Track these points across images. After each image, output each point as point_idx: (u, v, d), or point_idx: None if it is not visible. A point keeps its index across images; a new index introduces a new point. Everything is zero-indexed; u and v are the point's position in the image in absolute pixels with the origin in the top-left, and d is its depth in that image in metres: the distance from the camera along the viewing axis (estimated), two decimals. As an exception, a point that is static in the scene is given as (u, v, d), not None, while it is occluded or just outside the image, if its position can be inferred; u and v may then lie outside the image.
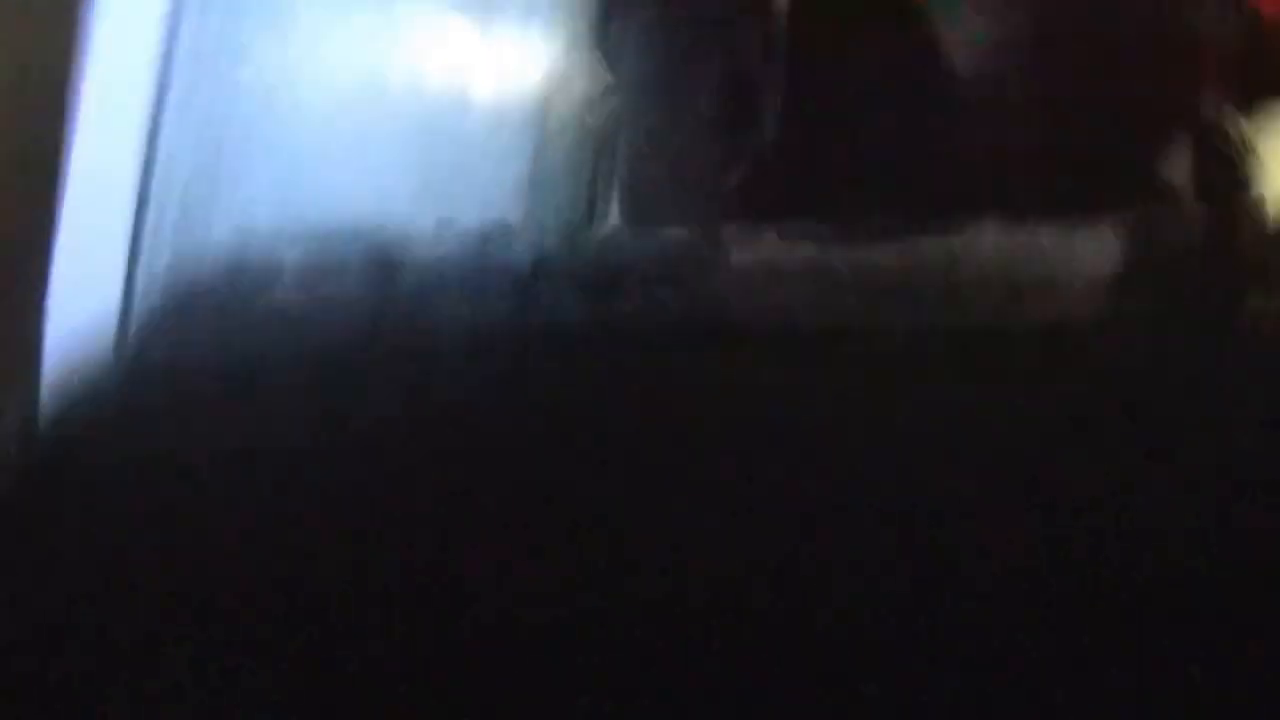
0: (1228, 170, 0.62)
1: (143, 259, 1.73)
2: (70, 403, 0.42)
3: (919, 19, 0.52)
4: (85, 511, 0.40)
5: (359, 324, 0.41)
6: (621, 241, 0.42)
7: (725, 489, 0.37)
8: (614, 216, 0.63)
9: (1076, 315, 0.37)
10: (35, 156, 1.53)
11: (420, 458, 0.38)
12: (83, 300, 0.45)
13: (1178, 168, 0.58)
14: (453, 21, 2.35)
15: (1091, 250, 0.38)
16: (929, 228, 0.40)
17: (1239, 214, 0.57)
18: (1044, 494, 0.37)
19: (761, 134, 0.55)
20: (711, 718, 0.37)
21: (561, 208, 2.51)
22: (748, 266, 0.39)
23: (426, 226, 0.45)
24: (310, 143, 1.94)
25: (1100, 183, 0.54)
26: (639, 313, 0.39)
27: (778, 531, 0.37)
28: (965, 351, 0.38)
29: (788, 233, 0.41)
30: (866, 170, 0.54)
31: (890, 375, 0.37)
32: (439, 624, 0.38)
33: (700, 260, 0.40)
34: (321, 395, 0.40)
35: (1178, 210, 0.53)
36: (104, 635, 0.40)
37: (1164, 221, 0.40)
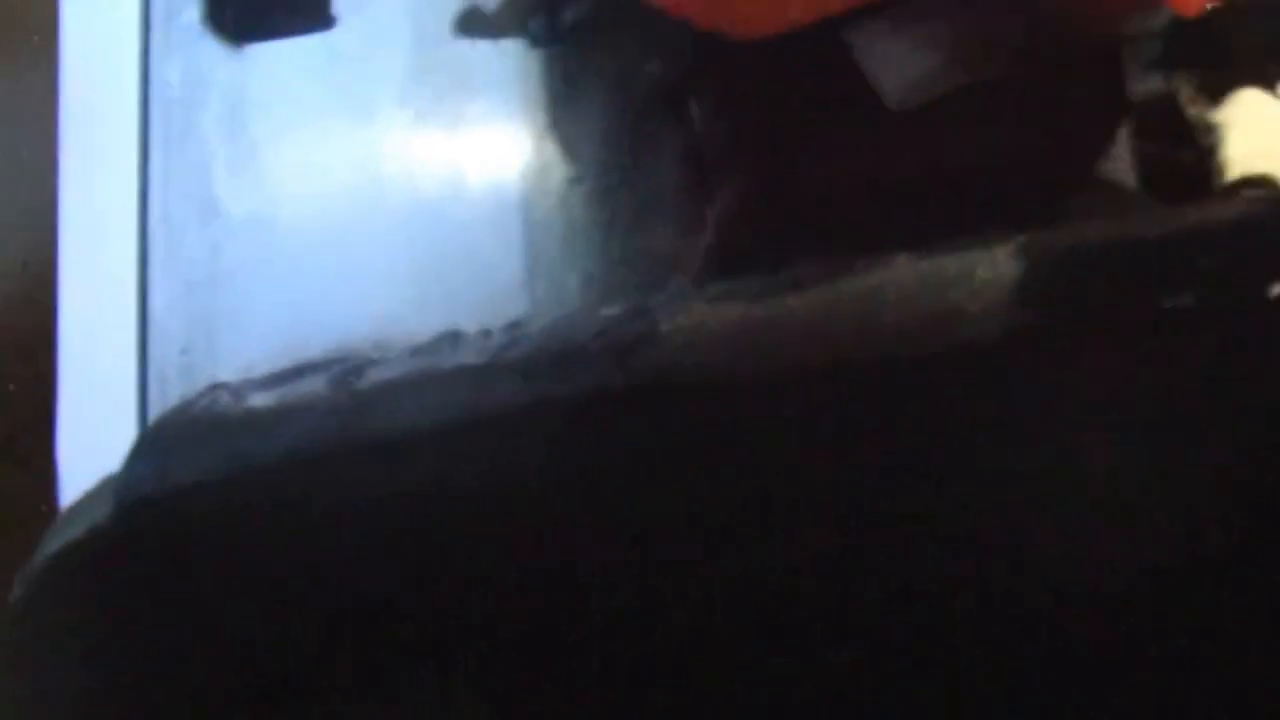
0: (1175, 167, 0.64)
1: (151, 412, 1.74)
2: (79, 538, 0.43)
3: (854, 66, 0.53)
4: (99, 627, 0.42)
5: (326, 423, 0.42)
6: (560, 324, 0.43)
7: (684, 551, 0.39)
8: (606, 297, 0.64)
9: (984, 337, 0.38)
10: (29, 314, 1.55)
11: (386, 548, 0.40)
12: (94, 463, 0.46)
13: (1120, 166, 0.59)
14: (422, 135, 2.37)
15: (995, 273, 0.40)
16: (847, 268, 0.41)
17: (1152, 214, 0.59)
18: (971, 513, 0.38)
19: (723, 199, 0.55)
20: None
21: (559, 298, 2.50)
22: (677, 331, 0.40)
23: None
24: (298, 274, 1.96)
25: (1044, 191, 0.55)
26: (582, 391, 0.40)
27: (741, 588, 0.38)
28: (887, 381, 0.39)
29: (713, 295, 0.42)
30: (827, 215, 0.55)
31: (818, 413, 0.39)
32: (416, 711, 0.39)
33: (633, 332, 0.41)
34: (295, 495, 0.41)
35: (1090, 218, 0.55)
36: None
37: (1063, 237, 0.42)
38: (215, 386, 0.47)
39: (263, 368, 0.47)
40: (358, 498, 0.41)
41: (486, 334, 0.45)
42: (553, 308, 0.55)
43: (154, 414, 1.71)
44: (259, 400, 0.45)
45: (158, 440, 0.46)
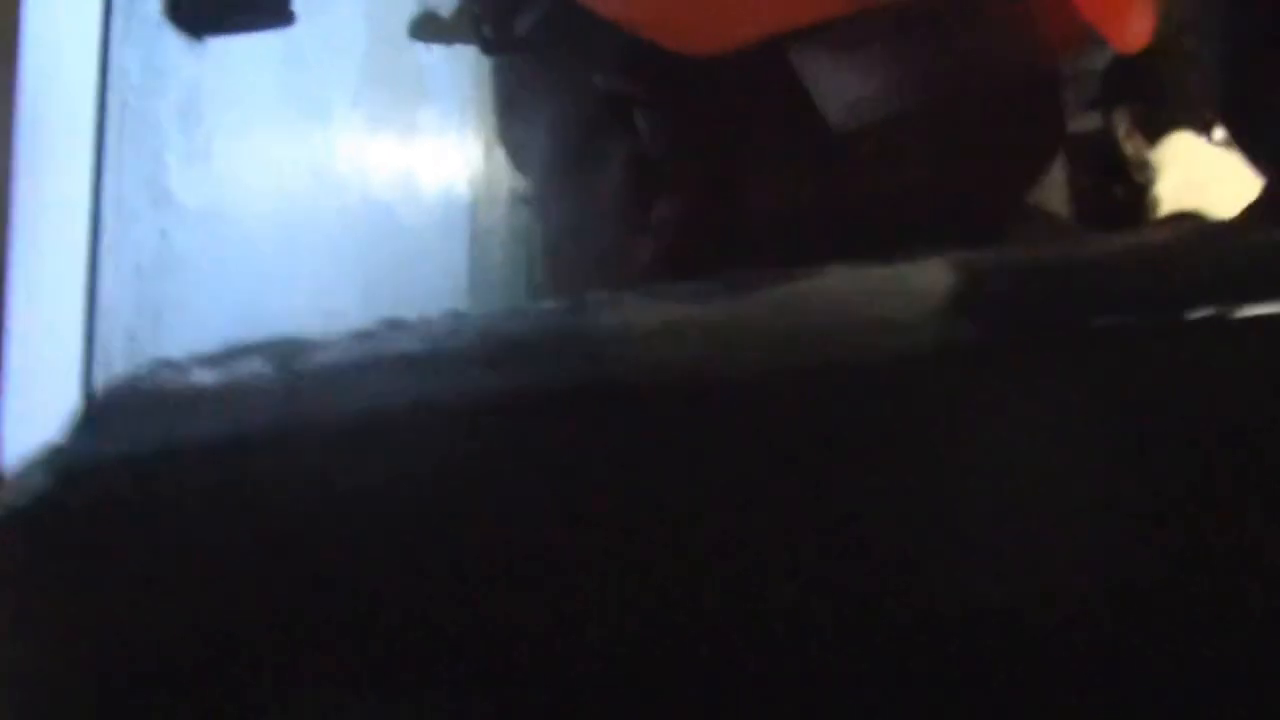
0: (1108, 200, 0.64)
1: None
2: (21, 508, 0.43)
3: (798, 87, 0.55)
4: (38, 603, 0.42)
5: (269, 403, 0.43)
6: (505, 319, 0.44)
7: (614, 544, 0.39)
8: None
9: (917, 347, 0.39)
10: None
11: (325, 531, 0.40)
12: (39, 443, 0.46)
13: (1054, 197, 0.60)
14: (376, 135, 2.37)
15: (929, 284, 0.40)
16: (784, 276, 0.42)
17: (1085, 237, 0.59)
18: (902, 518, 0.38)
19: (665, 209, 0.56)
20: None
21: (503, 300, 2.47)
22: (614, 329, 0.41)
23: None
24: (246, 266, 1.96)
25: (978, 218, 0.56)
26: (522, 383, 0.41)
27: (689, 584, 0.39)
28: (820, 387, 0.39)
29: (650, 295, 0.43)
30: (766, 229, 0.56)
31: (743, 417, 0.39)
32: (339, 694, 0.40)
33: (572, 328, 0.42)
34: (234, 473, 0.42)
35: (1016, 241, 0.56)
36: None
37: (999, 253, 0.43)
38: (160, 362, 0.47)
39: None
40: (294, 478, 0.41)
41: (428, 321, 0.45)
42: (496, 308, 0.55)
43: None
44: (202, 377, 0.45)
45: (102, 412, 0.46)
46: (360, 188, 2.30)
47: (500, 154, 0.66)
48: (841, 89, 0.55)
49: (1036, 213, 0.58)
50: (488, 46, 0.63)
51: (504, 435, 0.41)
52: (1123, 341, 0.39)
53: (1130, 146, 1.57)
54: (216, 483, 0.42)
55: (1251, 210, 0.52)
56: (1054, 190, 0.60)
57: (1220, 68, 0.54)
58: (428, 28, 0.71)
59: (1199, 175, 1.65)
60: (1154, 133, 1.69)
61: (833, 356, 0.40)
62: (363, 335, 0.45)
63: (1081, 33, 0.61)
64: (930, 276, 0.41)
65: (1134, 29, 0.62)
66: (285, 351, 0.45)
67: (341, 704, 0.40)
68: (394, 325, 0.45)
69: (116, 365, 1.68)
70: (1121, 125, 1.63)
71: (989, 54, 0.58)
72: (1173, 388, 0.39)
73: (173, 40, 1.85)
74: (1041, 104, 0.61)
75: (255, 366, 0.45)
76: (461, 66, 2.57)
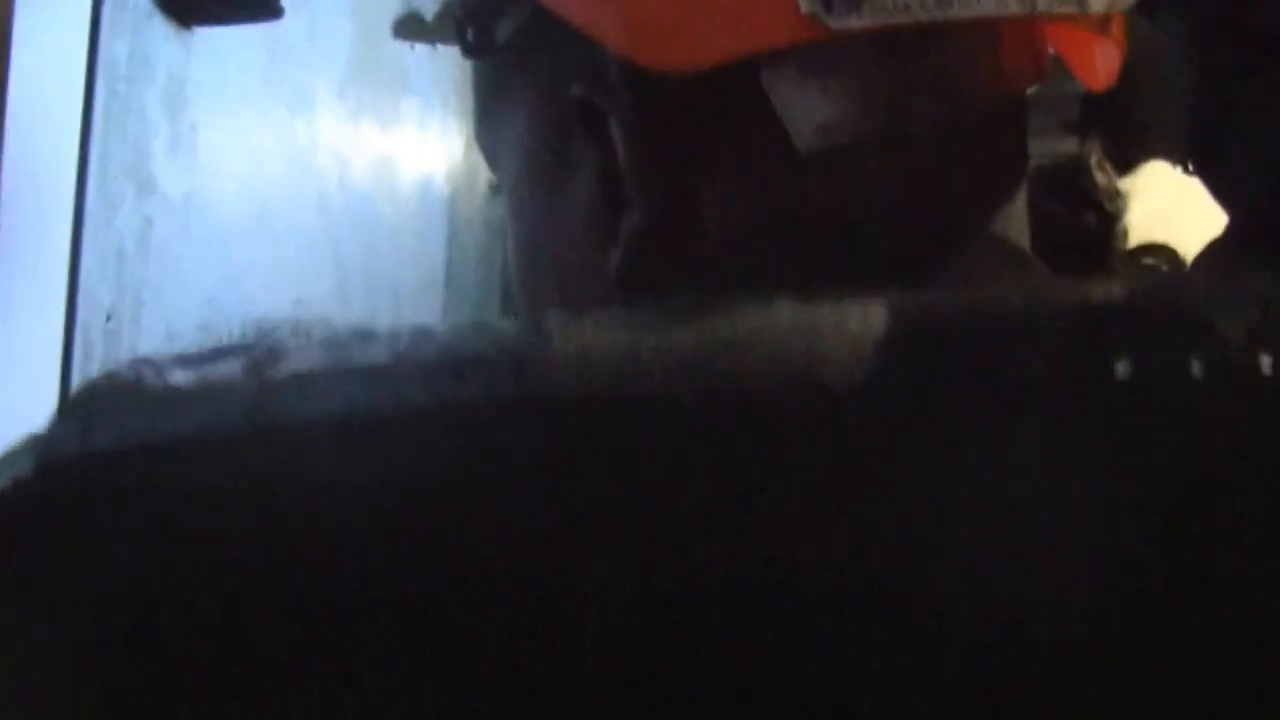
0: (1077, 228, 0.64)
1: (74, 374, 1.73)
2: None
3: (768, 108, 0.56)
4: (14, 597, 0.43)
5: (237, 407, 0.43)
6: (465, 332, 0.45)
7: (554, 561, 0.40)
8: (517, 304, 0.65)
9: (844, 383, 0.39)
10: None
11: (285, 534, 0.41)
12: (17, 418, 0.47)
13: (1014, 226, 0.61)
14: (357, 130, 2.38)
15: (865, 325, 0.41)
16: (723, 307, 0.43)
17: (1020, 280, 0.60)
18: (830, 544, 0.39)
19: (632, 222, 0.57)
20: None
21: (476, 300, 2.48)
22: (568, 350, 0.42)
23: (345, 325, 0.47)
24: (228, 254, 1.97)
25: (935, 245, 0.58)
26: (477, 398, 0.42)
27: (614, 601, 0.39)
28: (753, 417, 0.40)
29: (602, 318, 0.43)
30: (732, 247, 0.57)
31: (684, 439, 0.40)
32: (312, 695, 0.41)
33: (528, 346, 0.43)
34: (204, 473, 0.42)
35: (977, 274, 0.57)
36: None
37: (936, 297, 0.44)
38: (139, 360, 0.47)
39: (184, 340, 0.49)
40: (261, 482, 0.42)
41: (395, 335, 0.46)
42: (467, 307, 0.56)
43: (77, 376, 1.71)
44: (178, 377, 0.46)
45: (82, 406, 0.46)
46: (342, 179, 2.32)
47: (478, 155, 0.67)
48: (811, 112, 0.56)
49: (995, 241, 0.59)
50: (468, 50, 0.64)
51: (463, 448, 0.41)
52: (1045, 394, 0.39)
53: (1102, 176, 1.59)
54: (186, 483, 0.43)
55: (1216, 245, 0.53)
56: (1014, 219, 0.61)
57: (1187, 105, 0.54)
58: (411, 28, 0.72)
59: (1170, 205, 1.67)
60: (1126, 162, 1.70)
61: (767, 389, 0.40)
62: (333, 344, 0.46)
63: (1050, 62, 0.62)
64: (867, 318, 0.42)
65: (1103, 67, 0.63)
66: (260, 357, 0.46)
67: (312, 701, 0.40)
68: (364, 336, 0.46)
69: (97, 351, 1.69)
70: (1093, 154, 1.64)
71: (954, 82, 0.58)
72: (1098, 441, 0.39)
73: (161, 29, 1.86)
74: (1004, 134, 0.62)
75: (228, 369, 0.46)
76: (445, 63, 2.59)
